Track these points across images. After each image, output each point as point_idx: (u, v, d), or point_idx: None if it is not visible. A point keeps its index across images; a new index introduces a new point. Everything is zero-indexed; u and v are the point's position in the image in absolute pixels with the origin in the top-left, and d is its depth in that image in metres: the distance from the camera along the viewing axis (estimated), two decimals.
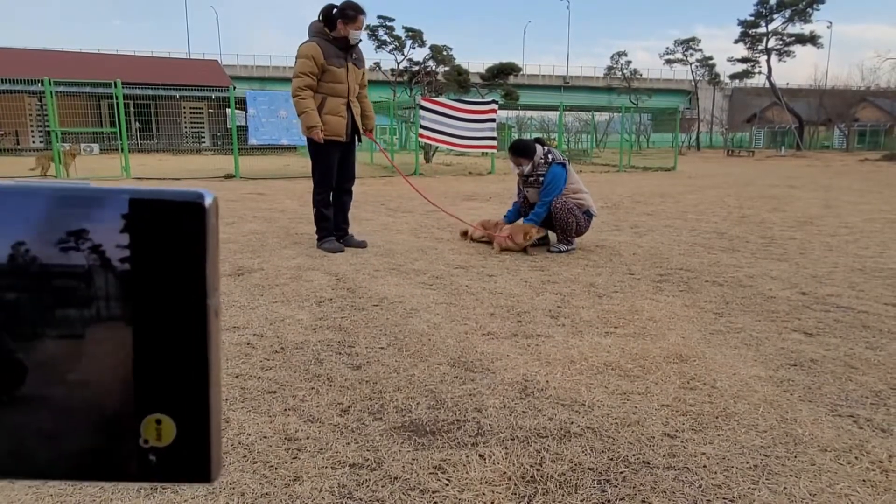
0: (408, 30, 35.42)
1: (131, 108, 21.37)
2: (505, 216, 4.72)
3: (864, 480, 1.47)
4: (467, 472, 1.50)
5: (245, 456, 1.57)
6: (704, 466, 1.53)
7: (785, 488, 1.44)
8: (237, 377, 2.07)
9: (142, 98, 21.83)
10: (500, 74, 33.56)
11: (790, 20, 35.08)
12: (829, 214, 6.70)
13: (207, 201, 0.22)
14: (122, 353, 0.22)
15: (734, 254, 4.37)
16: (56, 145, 11.21)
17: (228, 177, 11.46)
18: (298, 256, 4.08)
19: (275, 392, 1.96)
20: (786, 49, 36.03)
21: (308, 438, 1.66)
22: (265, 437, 1.66)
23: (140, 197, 0.22)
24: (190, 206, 0.22)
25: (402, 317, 2.78)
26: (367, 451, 1.60)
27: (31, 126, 23.41)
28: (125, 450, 0.22)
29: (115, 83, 11.23)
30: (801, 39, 35.20)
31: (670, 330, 2.63)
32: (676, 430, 1.72)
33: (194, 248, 0.22)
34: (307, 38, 4.11)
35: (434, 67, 35.04)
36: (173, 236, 0.22)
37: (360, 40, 4.16)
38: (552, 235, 4.59)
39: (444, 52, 34.67)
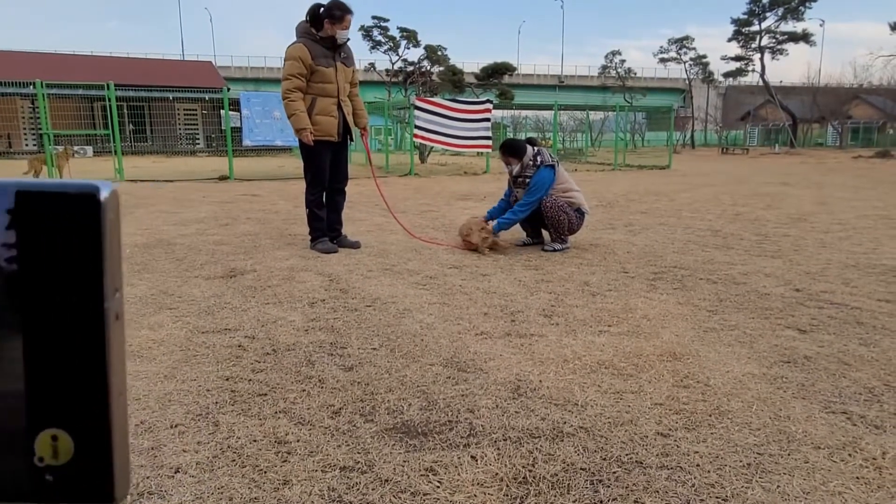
0: (402, 30, 35.38)
1: (125, 110, 21.24)
2: (488, 213, 4.69)
3: (857, 478, 1.46)
4: (459, 474, 1.48)
5: (234, 460, 1.55)
6: (697, 465, 1.52)
7: (778, 486, 1.43)
8: (227, 380, 2.05)
9: (135, 100, 21.76)
10: (495, 74, 33.55)
11: (783, 18, 35.18)
12: (823, 211, 6.71)
13: (104, 194, 0.20)
14: (11, 362, 0.20)
15: (728, 251, 4.37)
16: (48, 148, 11.15)
17: (223, 178, 11.42)
18: (291, 257, 4.06)
19: (265, 394, 1.94)
20: (779, 47, 36.13)
21: (298, 441, 1.64)
22: (255, 441, 1.65)
23: (28, 189, 0.20)
24: (84, 198, 0.20)
25: (394, 317, 2.76)
26: (358, 453, 1.59)
27: (24, 129, 23.28)
28: (18, 469, 0.20)
29: (108, 85, 11.17)
30: (794, 37, 35.30)
31: (664, 328, 2.62)
32: (669, 429, 1.71)
33: (90, 246, 0.20)
34: (295, 38, 4.09)
35: (429, 67, 35.00)
36: (66, 233, 0.20)
37: (349, 39, 4.13)
38: (546, 234, 4.58)
39: (439, 52, 34.63)
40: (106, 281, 0.20)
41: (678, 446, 1.61)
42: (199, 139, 25.87)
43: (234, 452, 1.58)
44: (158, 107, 23.46)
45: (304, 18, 4.10)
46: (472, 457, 1.56)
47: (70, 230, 0.20)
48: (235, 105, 12.00)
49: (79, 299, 0.20)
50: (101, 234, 0.20)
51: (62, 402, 0.20)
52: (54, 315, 0.20)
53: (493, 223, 4.44)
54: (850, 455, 1.57)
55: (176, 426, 1.72)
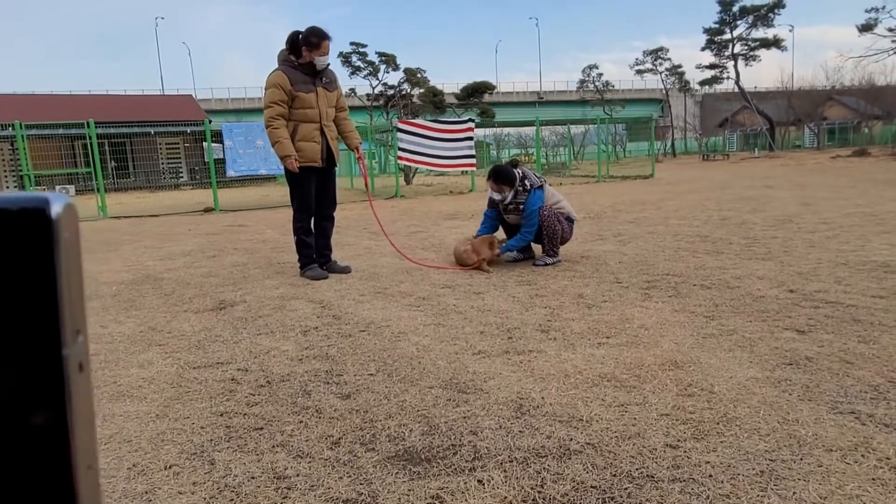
0: (381, 55, 35.65)
1: (106, 147, 21.15)
2: (477, 233, 4.64)
3: (873, 479, 1.43)
4: (466, 500, 1.43)
5: (232, 500, 1.49)
6: (710, 476, 1.48)
7: (794, 493, 1.39)
8: (222, 415, 1.99)
9: (116, 136, 21.67)
10: (475, 93, 33.83)
11: (753, 25, 35.94)
12: (808, 212, 6.76)
13: (55, 208, 0.16)
14: None
15: (719, 256, 4.37)
16: (30, 189, 11.03)
17: (208, 210, 11.34)
18: (282, 286, 4.00)
19: (262, 428, 1.88)
20: (751, 53, 36.85)
21: (298, 475, 1.58)
22: (253, 478, 1.59)
23: None
24: (30, 215, 0.15)
25: (390, 341, 2.71)
26: (361, 484, 1.53)
27: (4, 171, 23.07)
28: None
29: (88, 123, 11.11)
30: (766, 43, 36.04)
31: (662, 336, 2.59)
32: (678, 440, 1.67)
33: (39, 276, 0.15)
34: (276, 66, 4.08)
35: (409, 90, 35.26)
36: (8, 260, 0.15)
37: (328, 64, 4.13)
38: (536, 249, 4.56)
39: (419, 75, 34.91)
40: (63, 321, 0.16)
41: (689, 457, 1.58)
42: (182, 173, 25.76)
43: (232, 491, 1.52)
44: (140, 142, 23.37)
45: (283, 46, 4.10)
46: (478, 481, 1.51)
47: (12, 257, 0.15)
48: (218, 137, 11.98)
49: (28, 348, 0.15)
50: (54, 261, 0.15)
51: (11, 484, 0.15)
52: None
53: (497, 240, 4.46)
54: (863, 456, 1.54)
55: (170, 467, 1.66)
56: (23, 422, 0.15)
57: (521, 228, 4.41)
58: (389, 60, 35.49)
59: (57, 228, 0.16)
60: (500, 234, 4.69)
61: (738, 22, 36.11)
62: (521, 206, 4.41)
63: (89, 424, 0.16)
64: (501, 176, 4.45)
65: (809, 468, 1.49)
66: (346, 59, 35.63)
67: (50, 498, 0.16)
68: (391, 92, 35.74)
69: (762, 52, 36.70)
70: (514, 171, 4.46)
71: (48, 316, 0.15)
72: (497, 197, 4.51)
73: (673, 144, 41.85)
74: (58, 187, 18.97)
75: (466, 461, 1.62)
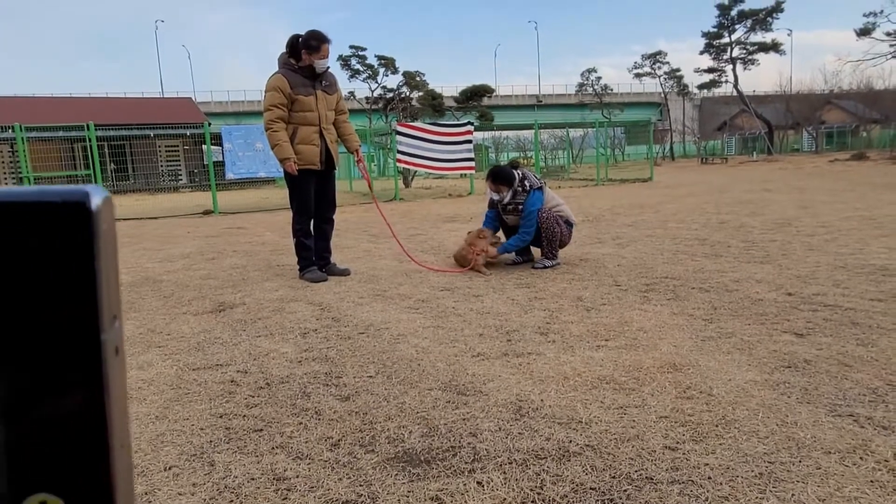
0: (380, 58, 35.73)
1: (105, 150, 21.14)
2: (484, 225, 4.65)
3: (871, 481, 1.44)
4: (466, 502, 1.44)
5: (232, 501, 1.49)
6: (709, 478, 1.48)
7: (793, 495, 1.39)
8: (221, 417, 1.99)
9: (116, 139, 21.64)
10: (474, 97, 33.90)
11: (752, 30, 36.04)
12: (806, 215, 6.78)
13: (95, 201, 0.17)
14: None
15: (717, 259, 4.38)
16: None
17: (207, 213, 11.34)
18: (281, 288, 4.00)
19: (261, 430, 1.88)
20: (750, 57, 36.94)
21: (298, 477, 1.58)
22: (253, 479, 1.59)
23: (4, 199, 0.16)
24: (71, 208, 0.16)
25: (389, 343, 2.72)
26: (360, 485, 1.53)
27: (4, 173, 23.05)
28: None
29: (88, 126, 11.12)
30: (764, 47, 36.14)
31: (661, 339, 2.60)
32: (677, 442, 1.67)
33: (80, 266, 0.16)
34: (276, 69, 4.09)
35: (408, 93, 35.32)
36: (50, 251, 0.16)
37: (328, 67, 4.14)
38: (536, 252, 4.57)
39: (418, 78, 34.98)
40: (102, 307, 0.16)
41: (687, 459, 1.58)
42: (181, 175, 25.75)
43: (232, 492, 1.52)
44: (140, 145, 23.35)
45: (284, 50, 4.11)
46: (478, 482, 1.52)
47: (55, 247, 0.16)
48: (217, 139, 11.99)
49: (68, 332, 0.16)
50: (94, 251, 0.16)
51: (52, 460, 0.16)
52: (39, 352, 0.16)
53: (488, 231, 4.48)
54: (861, 458, 1.54)
55: (170, 468, 1.66)
56: (64, 401, 0.16)
57: (520, 229, 4.41)
58: (388, 64, 35.57)
59: (96, 220, 0.17)
60: (500, 236, 4.69)
61: (737, 26, 36.22)
62: (520, 207, 4.41)
63: (123, 405, 0.17)
64: (500, 176, 4.46)
65: (808, 470, 1.50)
66: (345, 62, 35.71)
67: (88, 472, 0.17)
68: (390, 95, 35.81)
69: (761, 56, 36.81)
70: (514, 171, 4.46)
71: (88, 303, 0.16)
72: (495, 197, 4.52)
73: (671, 148, 41.92)
74: None
75: (466, 463, 1.62)
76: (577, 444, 1.69)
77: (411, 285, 3.94)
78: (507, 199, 4.45)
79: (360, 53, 35.83)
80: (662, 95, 44.18)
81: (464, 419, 1.89)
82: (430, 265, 4.63)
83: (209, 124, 12.95)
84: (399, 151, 12.36)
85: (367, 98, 36.88)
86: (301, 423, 1.91)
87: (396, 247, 5.66)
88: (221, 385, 2.28)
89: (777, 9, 34.63)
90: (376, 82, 36.24)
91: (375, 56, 35.77)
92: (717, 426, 1.76)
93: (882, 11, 30.84)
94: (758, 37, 36.29)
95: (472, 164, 12.81)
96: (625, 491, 1.45)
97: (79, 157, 20.80)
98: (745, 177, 16.50)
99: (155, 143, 24.44)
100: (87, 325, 0.16)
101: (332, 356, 2.57)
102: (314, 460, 1.67)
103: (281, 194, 14.19)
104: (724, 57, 37.48)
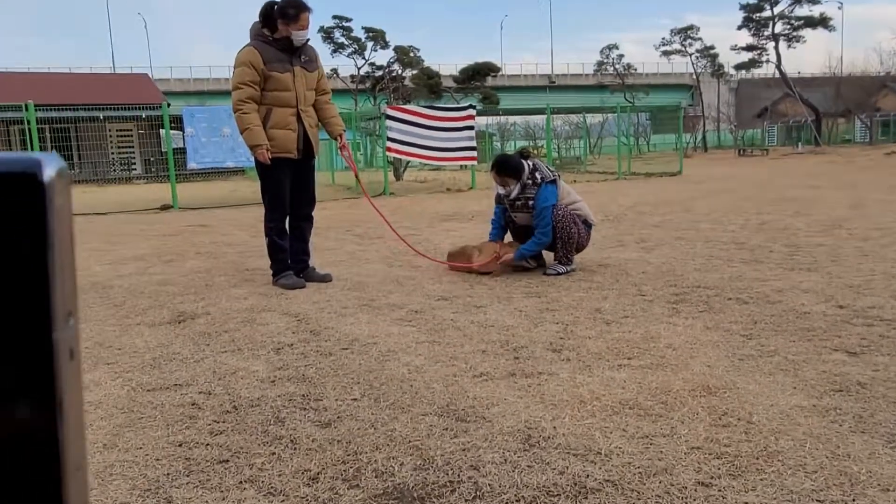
0: (368, 30, 35.90)
1: (47, 134, 21.12)
2: (491, 235, 4.68)
3: None
4: None
5: None
6: None
7: None
8: (180, 446, 1.99)
9: (59, 121, 21.62)
10: (477, 76, 34.04)
11: (797, 2, 36.26)
12: (859, 216, 6.81)
13: (48, 172, 0.16)
14: None
15: (758, 266, 4.39)
16: None
17: (165, 207, 11.34)
18: (251, 296, 4.00)
19: (227, 461, 1.88)
20: (794, 34, 37.19)
21: None
22: None
23: None
24: (19, 179, 0.15)
25: (377, 361, 2.72)
26: None
27: None
28: None
29: (26, 105, 11.10)
30: (811, 22, 36.38)
31: (693, 358, 2.61)
32: (711, 477, 1.68)
33: (29, 249, 0.15)
34: (248, 41, 4.09)
35: (400, 71, 35.43)
36: None
37: (308, 40, 4.14)
38: (548, 256, 4.57)
39: (411, 54, 35.13)
40: (55, 301, 0.16)
41: (724, 497, 1.58)
42: (135, 164, 25.75)
43: None
44: (87, 128, 23.32)
45: (257, 19, 4.11)
46: None
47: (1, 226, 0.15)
48: (178, 123, 11.99)
49: (14, 330, 0.15)
50: (47, 232, 0.16)
51: None
52: None
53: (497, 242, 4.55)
54: None
55: None
56: (6, 414, 0.16)
57: (535, 230, 4.37)
58: (378, 37, 35.71)
59: (50, 194, 0.16)
60: (507, 237, 4.71)
61: None
62: (531, 203, 4.39)
63: (79, 420, 0.16)
64: (505, 167, 4.44)
65: None
66: (327, 34, 35.84)
67: (36, 500, 0.16)
68: (379, 73, 35.93)
69: (807, 33, 37.08)
70: (523, 161, 4.44)
71: (38, 295, 0.15)
72: (501, 191, 4.51)
73: (704, 137, 42.13)
74: None
75: (466, 500, 1.62)
76: (596, 480, 1.69)
77: (403, 294, 3.94)
78: (514, 194, 4.44)
79: (345, 25, 35.98)
80: (694, 77, 44.41)
81: (463, 449, 1.89)
82: (447, 262, 4.66)
83: (168, 105, 12.95)
84: (389, 139, 12.39)
85: (352, 76, 36.99)
86: (274, 454, 1.91)
87: (385, 248, 5.67)
88: (181, 408, 2.28)
89: None
90: (363, 58, 36.39)
91: (362, 28, 35.97)
92: (757, 458, 1.76)
93: None
94: (804, 10, 36.57)
95: (474, 153, 12.84)
96: None
97: (15, 142, 20.79)
98: (789, 171, 16.59)
99: (105, 126, 24.42)
100: (36, 321, 0.16)
101: (310, 375, 2.56)
102: (289, 497, 1.67)
103: (252, 187, 14.19)
104: (766, 33, 37.70)
